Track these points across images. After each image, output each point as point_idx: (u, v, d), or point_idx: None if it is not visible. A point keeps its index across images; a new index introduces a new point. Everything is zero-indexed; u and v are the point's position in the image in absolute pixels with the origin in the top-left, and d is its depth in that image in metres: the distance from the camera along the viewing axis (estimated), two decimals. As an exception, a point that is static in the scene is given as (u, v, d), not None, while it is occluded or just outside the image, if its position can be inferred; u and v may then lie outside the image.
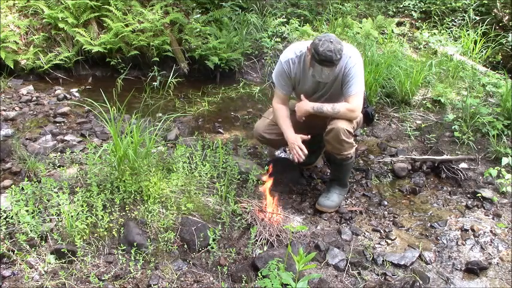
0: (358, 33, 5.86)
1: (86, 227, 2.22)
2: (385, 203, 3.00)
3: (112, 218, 2.31)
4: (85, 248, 2.18)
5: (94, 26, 5.12)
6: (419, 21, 6.76)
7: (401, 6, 7.07)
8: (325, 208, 2.83)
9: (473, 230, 2.68)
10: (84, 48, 4.91)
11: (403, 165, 3.31)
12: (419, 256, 2.46)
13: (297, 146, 2.64)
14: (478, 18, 6.29)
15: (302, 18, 6.21)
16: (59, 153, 3.13)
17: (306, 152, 2.65)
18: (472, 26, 6.06)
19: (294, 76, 2.75)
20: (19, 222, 2.20)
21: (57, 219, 2.29)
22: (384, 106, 4.35)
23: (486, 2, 6.54)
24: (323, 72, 2.47)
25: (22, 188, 2.38)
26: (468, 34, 5.76)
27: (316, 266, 2.33)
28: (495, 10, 6.38)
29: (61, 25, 4.87)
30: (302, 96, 2.73)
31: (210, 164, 2.83)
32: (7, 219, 2.24)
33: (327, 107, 2.61)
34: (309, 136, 2.70)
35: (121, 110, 2.81)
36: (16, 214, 2.22)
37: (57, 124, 3.75)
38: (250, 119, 4.23)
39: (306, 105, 2.67)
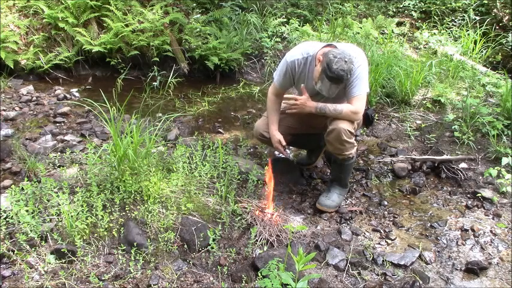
0: (358, 33, 5.87)
1: (86, 227, 2.22)
2: (385, 203, 3.00)
3: (112, 218, 2.31)
4: (85, 248, 2.18)
5: (94, 26, 5.12)
6: (419, 21, 6.77)
7: (401, 6, 7.07)
8: (325, 208, 2.83)
9: (473, 230, 2.68)
10: (84, 48, 4.92)
11: (403, 165, 3.31)
12: (419, 256, 2.46)
13: (275, 146, 2.90)
14: (478, 18, 6.29)
15: (302, 18, 6.21)
16: (59, 153, 3.13)
17: (287, 152, 3.03)
18: (472, 26, 6.06)
19: (297, 77, 2.75)
20: (19, 222, 2.20)
21: (57, 219, 2.29)
22: (384, 106, 4.35)
23: (486, 2, 6.55)
24: (331, 88, 2.48)
25: (22, 188, 2.38)
26: (468, 34, 5.76)
27: (316, 266, 2.33)
28: (495, 10, 6.38)
29: (61, 25, 4.87)
30: (304, 93, 2.71)
31: (210, 164, 2.84)
32: (7, 219, 2.24)
33: (330, 108, 2.60)
34: (289, 153, 3.06)
35: (121, 110, 2.81)
36: (16, 214, 2.22)
37: (57, 124, 3.75)
38: (250, 119, 4.23)
39: (309, 105, 2.66)
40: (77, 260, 2.11)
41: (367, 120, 2.94)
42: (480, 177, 3.21)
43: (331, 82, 2.44)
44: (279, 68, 2.80)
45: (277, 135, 2.86)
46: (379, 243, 2.59)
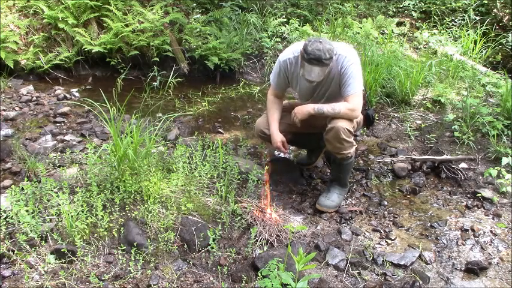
0: (358, 33, 5.87)
1: (86, 227, 2.22)
2: (385, 203, 3.00)
3: (112, 218, 2.31)
4: (85, 248, 2.18)
5: (94, 26, 5.12)
6: (419, 21, 6.77)
7: (401, 6, 7.07)
8: (325, 208, 2.83)
9: (473, 230, 2.68)
10: (84, 48, 4.92)
11: (403, 165, 3.31)
12: (419, 256, 2.45)
13: (276, 146, 2.85)
14: (478, 18, 6.29)
15: (302, 18, 6.21)
16: (59, 153, 3.13)
17: (287, 148, 2.93)
18: (472, 26, 6.06)
19: (291, 76, 2.78)
20: (19, 222, 2.20)
21: (57, 219, 2.29)
22: (384, 106, 4.35)
23: (486, 2, 6.55)
24: (312, 71, 2.48)
25: (22, 188, 2.38)
26: (468, 34, 5.76)
27: (316, 266, 2.33)
28: (495, 10, 6.38)
29: (61, 25, 4.87)
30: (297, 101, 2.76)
31: (210, 164, 2.84)
32: (7, 219, 2.24)
33: (327, 108, 2.61)
34: (288, 149, 2.97)
35: (121, 110, 2.81)
36: (16, 214, 2.22)
37: (57, 124, 3.75)
38: (250, 119, 4.23)
39: (306, 107, 2.67)
40: (77, 260, 2.11)
41: (368, 121, 2.95)
42: (480, 177, 3.21)
43: (311, 64, 2.45)
44: (274, 69, 2.86)
45: (278, 135, 2.86)
46: (379, 243, 2.59)
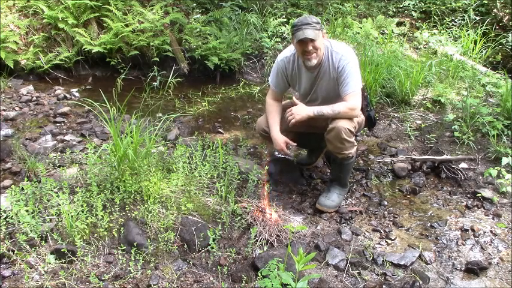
0: (358, 33, 5.87)
1: (86, 227, 2.22)
2: (385, 203, 2.99)
3: (112, 218, 2.31)
4: (85, 248, 2.18)
5: (94, 26, 5.13)
6: (419, 21, 6.77)
7: (401, 6, 7.08)
8: (325, 208, 2.83)
9: (473, 230, 2.68)
10: (84, 48, 4.92)
11: (403, 165, 3.31)
12: (419, 256, 2.45)
13: (280, 148, 2.77)
14: (478, 18, 6.30)
15: (302, 18, 6.21)
16: (59, 153, 3.13)
17: (293, 145, 2.84)
18: (472, 26, 6.06)
19: (290, 74, 2.79)
20: (19, 222, 2.20)
21: (57, 219, 2.28)
22: (384, 106, 4.35)
23: (486, 2, 6.55)
24: (304, 32, 2.48)
25: (22, 188, 2.38)
26: (468, 34, 5.77)
27: (316, 266, 2.33)
28: (495, 10, 6.38)
29: (61, 25, 4.88)
30: (297, 101, 2.74)
31: (210, 164, 2.84)
32: (7, 219, 2.24)
33: (327, 109, 2.60)
34: (295, 144, 2.85)
35: (121, 110, 2.81)
36: (16, 214, 2.22)
37: (57, 124, 3.75)
38: (250, 119, 4.23)
39: (306, 110, 2.64)
40: (77, 260, 2.11)
41: (370, 122, 2.95)
42: (480, 177, 3.21)
43: (301, 29, 2.48)
44: (272, 70, 2.87)
45: (280, 138, 2.81)
46: (379, 243, 2.59)
